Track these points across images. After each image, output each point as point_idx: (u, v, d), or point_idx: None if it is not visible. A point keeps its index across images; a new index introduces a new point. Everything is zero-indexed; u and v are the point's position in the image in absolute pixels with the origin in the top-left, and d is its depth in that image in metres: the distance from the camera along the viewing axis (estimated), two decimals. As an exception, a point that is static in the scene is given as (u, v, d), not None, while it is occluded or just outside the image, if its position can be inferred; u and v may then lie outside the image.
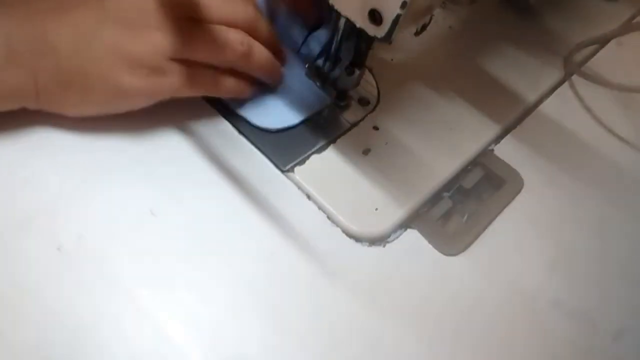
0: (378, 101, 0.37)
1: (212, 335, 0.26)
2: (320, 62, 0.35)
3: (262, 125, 0.34)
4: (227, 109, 0.34)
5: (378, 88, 0.38)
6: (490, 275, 0.31)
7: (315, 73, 0.36)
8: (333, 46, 0.33)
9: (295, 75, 0.36)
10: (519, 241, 0.33)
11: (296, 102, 0.35)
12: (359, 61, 0.33)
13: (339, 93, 0.35)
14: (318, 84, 0.36)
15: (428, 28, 0.31)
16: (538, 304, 0.30)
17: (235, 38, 0.30)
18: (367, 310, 0.28)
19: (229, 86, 0.32)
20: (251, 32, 0.32)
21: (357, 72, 0.33)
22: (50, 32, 0.27)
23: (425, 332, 0.28)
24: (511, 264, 0.32)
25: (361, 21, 0.27)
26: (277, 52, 0.34)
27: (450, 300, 0.30)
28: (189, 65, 0.29)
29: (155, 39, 0.28)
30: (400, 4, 0.25)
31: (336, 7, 0.28)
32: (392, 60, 0.40)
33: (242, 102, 0.34)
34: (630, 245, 0.34)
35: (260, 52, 0.32)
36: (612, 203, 0.35)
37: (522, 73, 0.41)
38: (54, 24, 0.28)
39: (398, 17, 0.25)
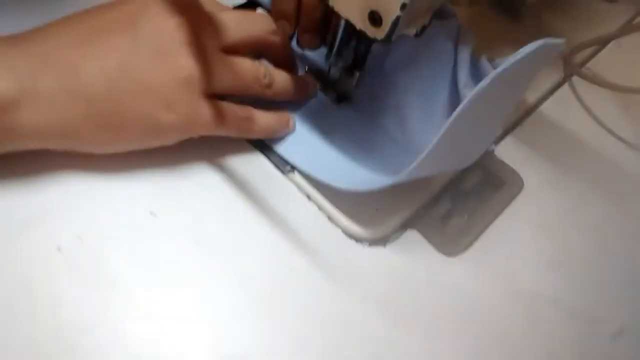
0: (378, 102, 0.37)
1: (212, 335, 0.26)
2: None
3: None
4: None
5: (378, 89, 0.38)
6: (490, 275, 0.31)
7: (315, 75, 0.36)
8: (333, 48, 0.33)
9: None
10: (519, 241, 0.33)
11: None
12: (358, 63, 0.33)
13: (339, 94, 0.35)
14: (318, 85, 0.36)
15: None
16: (538, 304, 0.30)
17: (258, 71, 0.30)
18: (367, 310, 0.28)
19: (265, 122, 0.31)
20: (268, 46, 0.32)
21: (357, 73, 0.33)
22: (80, 70, 0.26)
23: (425, 332, 0.28)
24: (511, 264, 0.32)
25: (361, 23, 0.27)
26: (293, 64, 0.35)
27: (451, 301, 0.30)
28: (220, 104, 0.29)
29: (188, 73, 0.27)
30: (400, 5, 0.25)
31: (336, 8, 0.28)
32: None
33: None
34: (630, 245, 0.34)
35: (282, 79, 0.32)
36: (612, 203, 0.35)
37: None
38: (84, 60, 0.26)
39: (398, 18, 0.25)
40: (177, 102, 0.27)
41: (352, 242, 0.31)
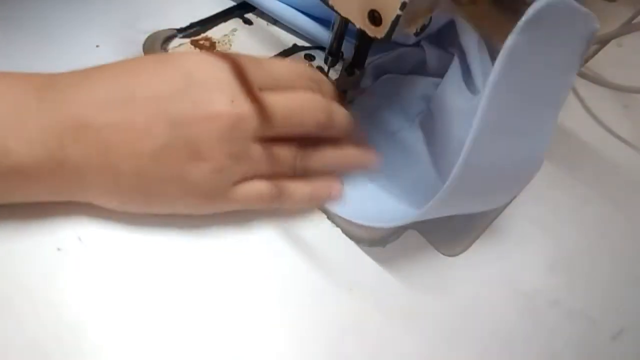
0: (378, 101, 0.37)
1: (211, 334, 0.26)
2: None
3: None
4: None
5: (378, 88, 0.38)
6: (490, 275, 0.31)
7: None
8: (333, 46, 0.33)
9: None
10: (519, 241, 0.33)
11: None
12: (358, 61, 0.33)
13: (339, 93, 0.35)
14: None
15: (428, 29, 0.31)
16: (538, 304, 0.30)
17: (294, 160, 0.29)
18: (367, 310, 0.28)
19: (301, 195, 0.29)
20: (320, 136, 0.29)
21: (357, 72, 0.33)
22: (112, 150, 0.25)
23: (425, 332, 0.28)
24: (511, 264, 0.32)
25: (361, 22, 0.27)
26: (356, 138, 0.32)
27: (450, 301, 0.30)
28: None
29: (220, 167, 0.26)
30: (399, 4, 0.25)
31: (336, 7, 0.28)
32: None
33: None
34: (630, 245, 0.34)
35: (321, 164, 0.30)
36: (612, 203, 0.35)
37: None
38: (118, 140, 0.25)
39: (398, 17, 0.25)
40: (203, 192, 0.27)
41: (351, 243, 0.30)
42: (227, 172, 0.26)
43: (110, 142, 0.25)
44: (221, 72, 0.26)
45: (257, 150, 0.27)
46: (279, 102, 0.27)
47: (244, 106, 0.26)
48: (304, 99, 0.28)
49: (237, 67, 0.27)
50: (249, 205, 0.28)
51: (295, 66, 0.30)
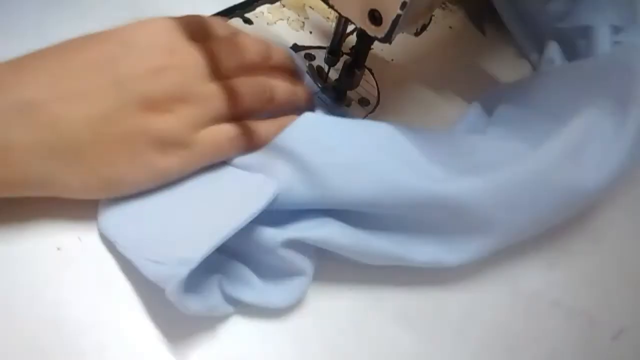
0: (378, 101, 0.37)
1: (209, 332, 0.26)
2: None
3: None
4: None
5: (378, 88, 0.38)
6: (490, 275, 0.31)
7: (315, 73, 0.36)
8: (333, 46, 0.33)
9: None
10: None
11: None
12: (358, 61, 0.33)
13: (338, 94, 0.35)
14: (319, 84, 0.36)
15: (428, 28, 0.31)
16: (538, 304, 0.30)
17: (257, 85, 0.29)
18: (366, 310, 0.28)
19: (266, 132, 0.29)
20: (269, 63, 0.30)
21: (357, 72, 0.33)
22: (63, 123, 0.24)
23: (424, 332, 0.28)
24: (512, 263, 0.32)
25: (361, 21, 0.27)
26: (294, 75, 0.32)
27: (451, 301, 0.30)
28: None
29: (181, 116, 0.26)
30: (400, 4, 0.25)
31: (336, 7, 0.28)
32: (392, 60, 0.40)
33: None
34: (630, 245, 0.34)
35: (284, 90, 0.30)
36: (613, 203, 0.35)
37: (522, 73, 0.41)
38: (67, 115, 0.24)
39: (398, 17, 0.25)
40: (168, 143, 0.26)
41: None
42: (186, 117, 0.26)
43: (58, 115, 0.24)
44: (155, 33, 0.27)
45: (212, 87, 0.27)
46: (224, 44, 0.28)
47: (183, 53, 0.27)
48: (248, 39, 0.30)
49: (174, 24, 0.28)
50: (220, 153, 0.28)
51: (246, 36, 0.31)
